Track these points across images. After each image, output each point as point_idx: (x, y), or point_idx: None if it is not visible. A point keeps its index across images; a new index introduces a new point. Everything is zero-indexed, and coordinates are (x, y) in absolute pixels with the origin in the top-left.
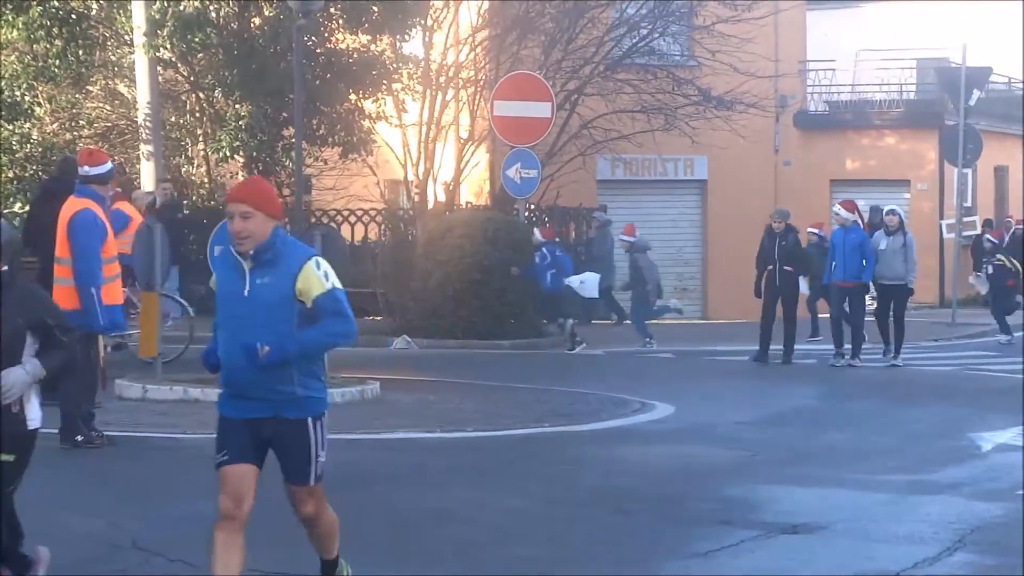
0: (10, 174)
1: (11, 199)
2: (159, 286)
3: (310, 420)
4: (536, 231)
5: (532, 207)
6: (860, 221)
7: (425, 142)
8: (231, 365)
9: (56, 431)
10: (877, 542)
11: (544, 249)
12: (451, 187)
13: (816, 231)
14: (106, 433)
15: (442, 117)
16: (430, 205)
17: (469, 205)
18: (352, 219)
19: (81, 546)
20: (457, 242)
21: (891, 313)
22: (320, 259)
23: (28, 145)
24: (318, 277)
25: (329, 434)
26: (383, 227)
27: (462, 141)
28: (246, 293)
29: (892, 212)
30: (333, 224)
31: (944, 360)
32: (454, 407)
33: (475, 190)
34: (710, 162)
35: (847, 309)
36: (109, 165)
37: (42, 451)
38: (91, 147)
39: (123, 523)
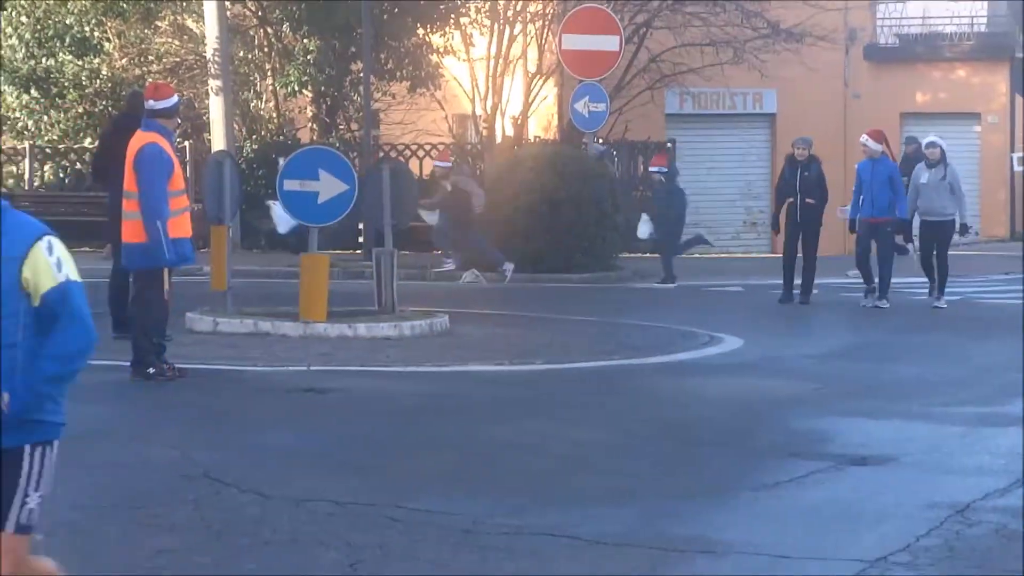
0: (80, 109)
1: (81, 134)
2: (229, 220)
3: (28, 448)
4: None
5: (600, 140)
6: (888, 152)
7: (493, 76)
8: None
9: (128, 364)
10: (946, 474)
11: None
12: (519, 121)
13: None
14: (177, 365)
15: (510, 51)
16: (498, 139)
17: (537, 139)
18: (420, 154)
19: (154, 476)
20: (526, 176)
21: (935, 251)
22: (55, 240)
23: (97, 80)
24: (49, 264)
25: (399, 367)
26: (452, 162)
27: (530, 75)
28: None
29: (932, 144)
30: (401, 159)
31: (1014, 293)
32: (523, 340)
33: (543, 124)
34: (779, 95)
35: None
36: (175, 99)
37: (115, 384)
38: (157, 81)
39: (195, 454)
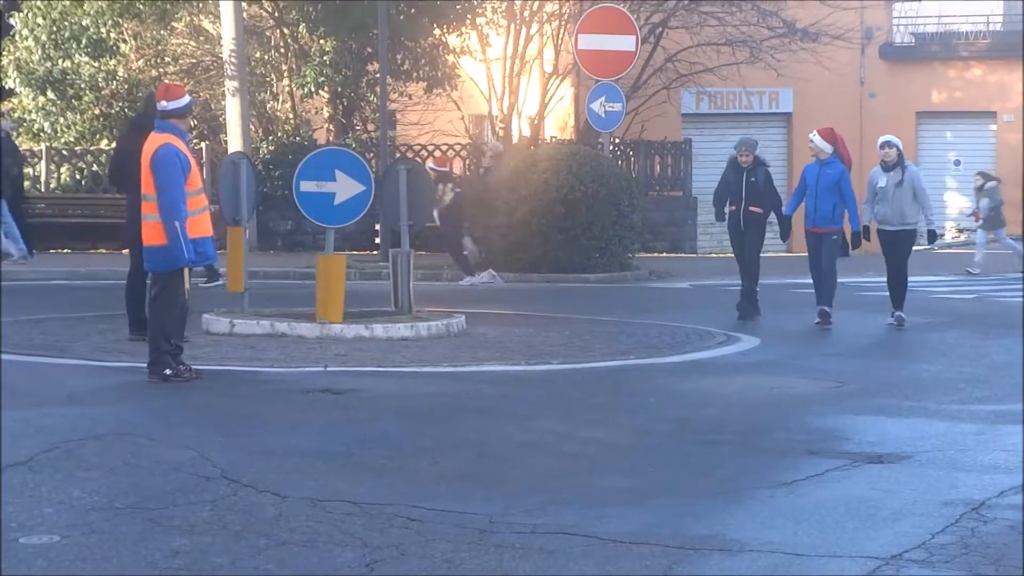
0: (96, 111)
1: (97, 136)
2: (245, 221)
3: None
4: None
5: (616, 140)
6: (842, 153)
7: (509, 76)
8: None
9: (145, 365)
10: (962, 471)
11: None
12: (535, 121)
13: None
14: (194, 367)
15: (526, 51)
16: (515, 139)
17: (553, 139)
18: (437, 154)
19: (171, 477)
20: (542, 176)
21: (894, 262)
22: None
23: (114, 82)
24: None
25: (416, 367)
26: (467, 162)
27: (546, 75)
28: None
29: (887, 144)
30: (418, 159)
31: None
32: (540, 340)
33: (559, 124)
34: (795, 95)
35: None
36: (187, 99)
37: (132, 384)
38: (169, 82)
39: (212, 455)
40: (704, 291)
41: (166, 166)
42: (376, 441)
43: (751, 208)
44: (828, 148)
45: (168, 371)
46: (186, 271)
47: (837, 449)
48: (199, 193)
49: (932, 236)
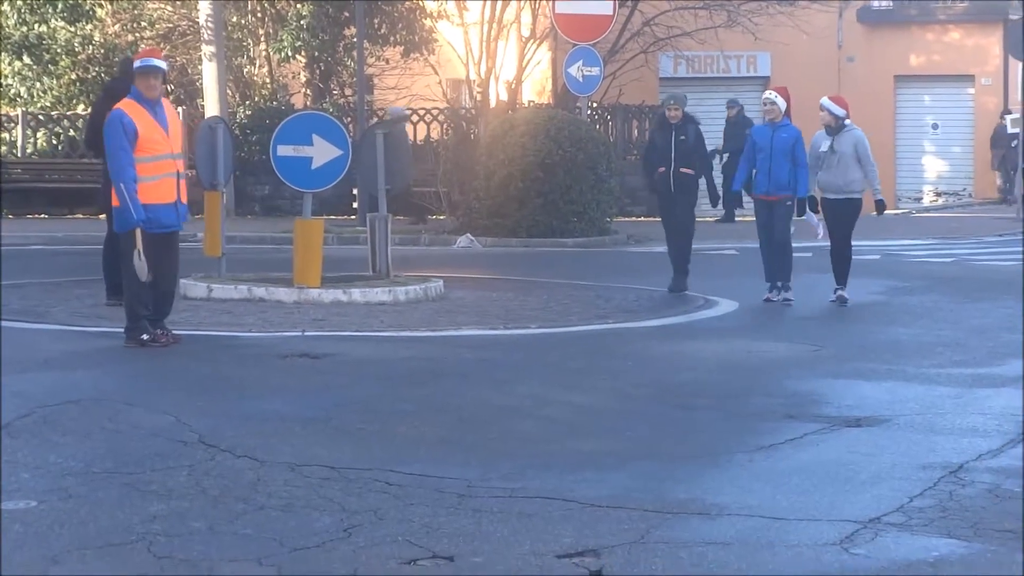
0: (72, 76)
1: (73, 101)
2: (222, 185)
3: None
4: None
5: (594, 105)
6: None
7: (487, 41)
8: None
9: (122, 330)
10: (940, 435)
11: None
12: (513, 86)
13: None
14: (173, 332)
15: (504, 15)
16: (492, 104)
17: (531, 104)
18: (414, 119)
19: (149, 442)
20: (520, 140)
21: (838, 235)
22: None
23: (90, 47)
24: None
25: (393, 331)
26: (445, 126)
27: (524, 39)
28: None
29: (821, 107)
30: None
31: (1008, 255)
32: (518, 304)
33: (537, 89)
34: (773, 59)
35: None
36: (141, 61)
37: (110, 349)
38: (150, 47)
39: (190, 420)
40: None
41: (109, 132)
42: (354, 405)
43: (682, 170)
44: (781, 105)
45: (145, 336)
46: (137, 233)
47: (815, 413)
48: (157, 159)
49: (880, 206)
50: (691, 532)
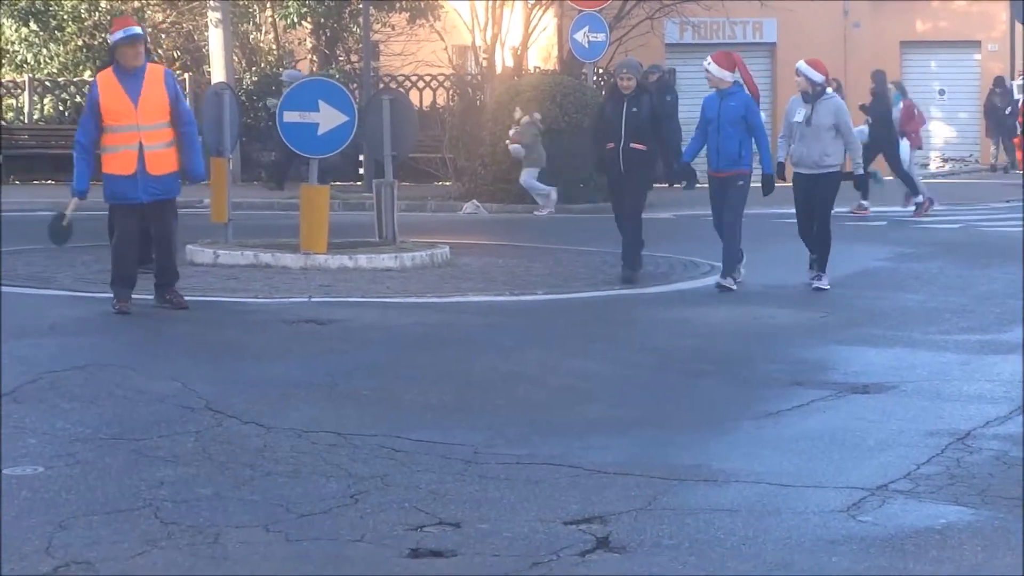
0: (79, 42)
1: (80, 67)
2: (229, 152)
3: None
4: None
5: (600, 71)
6: (747, 82)
7: (492, 7)
8: None
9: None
10: (948, 401)
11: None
12: (519, 52)
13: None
14: (181, 296)
15: None
16: (498, 70)
17: (537, 70)
18: (420, 85)
19: (155, 407)
20: (526, 107)
21: (813, 214)
22: None
23: (96, 13)
24: None
25: (400, 297)
26: (451, 92)
27: (530, 5)
28: None
29: (798, 71)
30: (401, 90)
31: (1015, 221)
32: (524, 270)
33: (543, 55)
34: (779, 24)
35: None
36: (118, 33)
37: (116, 315)
38: (122, 16)
39: (196, 386)
40: (688, 221)
41: (86, 102)
42: (360, 371)
43: (632, 145)
44: (728, 76)
45: (115, 303)
46: (72, 201)
47: (822, 379)
48: (118, 130)
49: (862, 183)
50: (698, 499)
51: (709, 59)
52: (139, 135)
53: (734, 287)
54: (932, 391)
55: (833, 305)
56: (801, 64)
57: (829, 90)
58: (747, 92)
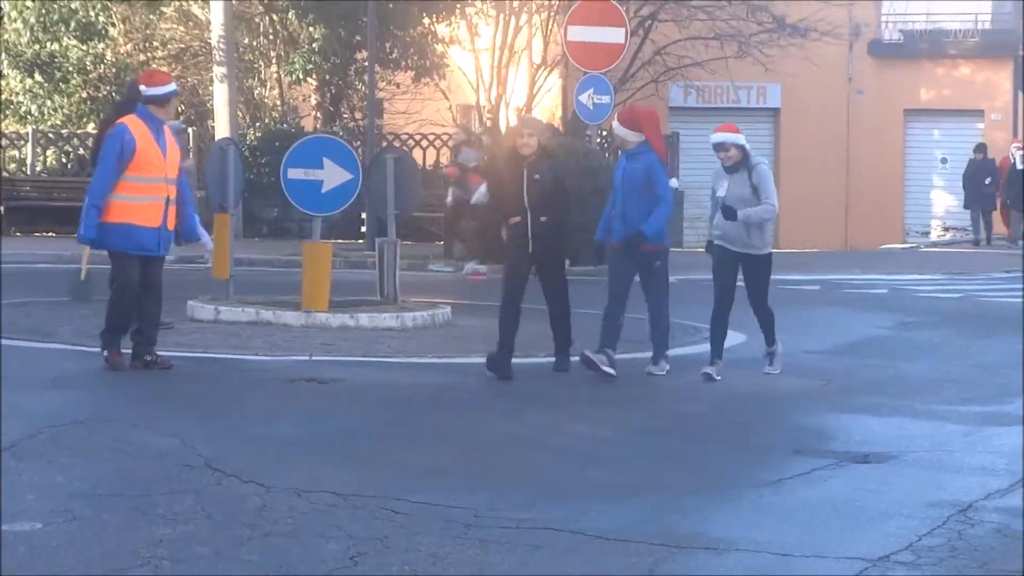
0: (83, 94)
1: (84, 119)
2: (231, 207)
3: None
4: None
5: (604, 133)
6: (656, 142)
7: (498, 67)
8: None
9: (129, 351)
10: (949, 472)
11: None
12: (523, 112)
13: None
14: (179, 354)
15: (515, 42)
16: (502, 130)
17: None
18: (424, 143)
19: (155, 464)
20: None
21: (749, 294)
22: None
23: (102, 66)
24: None
25: (401, 357)
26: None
27: (535, 66)
28: None
29: (721, 146)
30: (405, 148)
31: (1017, 292)
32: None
33: (547, 116)
34: (783, 90)
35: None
36: (169, 87)
37: (116, 371)
38: (155, 69)
39: (196, 443)
40: (689, 285)
41: (107, 145)
42: (361, 431)
43: (541, 218)
44: (632, 136)
45: (148, 357)
46: (85, 250)
47: (823, 448)
48: (149, 181)
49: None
50: (698, 567)
51: (615, 117)
52: (167, 188)
53: (662, 373)
54: (933, 462)
55: (835, 373)
56: (727, 135)
57: (756, 156)
58: (653, 153)
